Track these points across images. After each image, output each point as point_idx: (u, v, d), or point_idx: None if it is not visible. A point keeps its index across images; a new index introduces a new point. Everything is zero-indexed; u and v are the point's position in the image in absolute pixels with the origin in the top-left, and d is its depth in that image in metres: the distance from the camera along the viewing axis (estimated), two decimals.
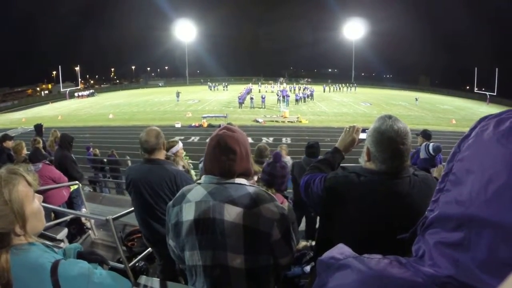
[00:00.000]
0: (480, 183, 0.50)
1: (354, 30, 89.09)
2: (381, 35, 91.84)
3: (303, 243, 3.89)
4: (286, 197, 3.16)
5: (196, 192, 1.66)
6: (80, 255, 1.59)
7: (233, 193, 1.60)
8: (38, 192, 1.40)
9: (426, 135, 6.60)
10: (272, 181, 2.86)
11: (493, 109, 41.96)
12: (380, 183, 1.59)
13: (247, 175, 1.73)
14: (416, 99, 44.58)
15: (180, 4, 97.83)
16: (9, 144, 7.10)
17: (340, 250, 0.67)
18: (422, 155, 6.12)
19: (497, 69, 57.35)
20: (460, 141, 0.59)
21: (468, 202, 0.51)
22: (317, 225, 4.15)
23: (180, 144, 4.50)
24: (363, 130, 2.05)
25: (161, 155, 3.08)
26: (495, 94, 55.97)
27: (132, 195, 3.16)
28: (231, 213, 1.56)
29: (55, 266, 1.24)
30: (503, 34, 73.65)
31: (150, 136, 2.99)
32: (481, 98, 57.29)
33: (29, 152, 6.42)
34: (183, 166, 4.42)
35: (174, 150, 4.28)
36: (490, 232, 0.47)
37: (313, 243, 2.67)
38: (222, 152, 1.63)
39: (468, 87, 71.71)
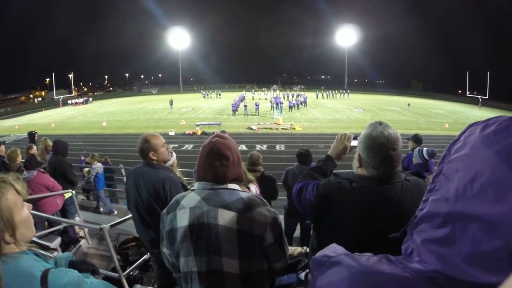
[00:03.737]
0: (465, 180, 0.52)
1: (346, 37, 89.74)
2: (373, 41, 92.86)
3: (298, 250, 3.88)
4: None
5: (190, 199, 1.68)
6: (71, 264, 1.59)
7: (226, 198, 1.62)
8: (32, 200, 1.41)
9: (417, 139, 6.60)
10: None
11: (485, 112, 42.37)
12: (371, 188, 1.60)
13: (239, 180, 1.76)
14: (409, 104, 44.97)
15: (174, 12, 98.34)
16: (1, 150, 7.02)
17: (333, 249, 0.70)
18: (416, 160, 6.13)
19: (488, 73, 58.25)
20: (450, 144, 0.62)
21: (454, 199, 0.53)
22: (311, 232, 4.16)
23: (174, 155, 4.45)
24: (355, 137, 2.07)
25: (154, 159, 3.08)
26: (487, 97, 56.71)
27: (129, 195, 3.17)
28: (225, 217, 1.57)
29: (45, 275, 1.24)
30: (494, 38, 74.69)
31: (138, 143, 3.07)
32: (473, 101, 58.03)
33: (23, 160, 6.36)
34: (179, 178, 4.39)
35: (170, 163, 4.24)
36: (474, 226, 0.49)
37: (308, 249, 2.67)
38: (216, 158, 1.66)
39: (460, 91, 72.42)
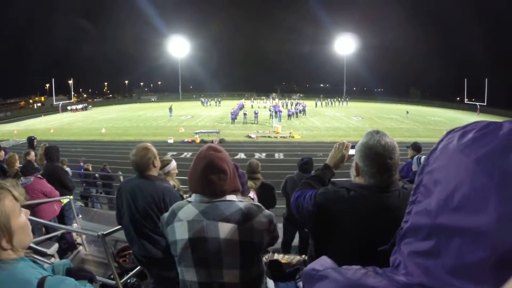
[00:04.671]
0: (446, 193, 0.52)
1: (345, 45, 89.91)
2: (371, 49, 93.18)
3: (297, 258, 3.88)
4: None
5: (188, 211, 1.67)
6: (69, 272, 1.58)
7: (225, 211, 1.62)
8: (30, 206, 1.41)
9: (416, 147, 6.60)
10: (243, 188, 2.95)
11: (484, 119, 42.31)
12: (369, 197, 1.61)
13: (236, 191, 1.76)
14: (407, 112, 45.16)
15: (174, 20, 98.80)
16: (0, 155, 7.00)
17: (321, 262, 0.70)
18: (415, 167, 6.12)
19: (486, 79, 58.76)
20: (428, 154, 0.62)
21: (436, 211, 0.53)
22: (310, 240, 4.14)
23: (174, 163, 4.37)
24: (353, 146, 2.07)
25: (152, 171, 3.01)
26: (485, 104, 57.01)
27: (122, 210, 3.10)
28: (226, 230, 1.58)
29: (41, 282, 1.24)
30: (492, 45, 75.08)
31: (137, 157, 2.95)
32: (472, 108, 58.28)
33: (21, 165, 6.33)
34: (174, 186, 4.37)
35: (166, 169, 4.21)
36: (458, 238, 0.49)
37: (306, 258, 2.68)
38: (213, 173, 1.65)
39: (458, 98, 72.69)
